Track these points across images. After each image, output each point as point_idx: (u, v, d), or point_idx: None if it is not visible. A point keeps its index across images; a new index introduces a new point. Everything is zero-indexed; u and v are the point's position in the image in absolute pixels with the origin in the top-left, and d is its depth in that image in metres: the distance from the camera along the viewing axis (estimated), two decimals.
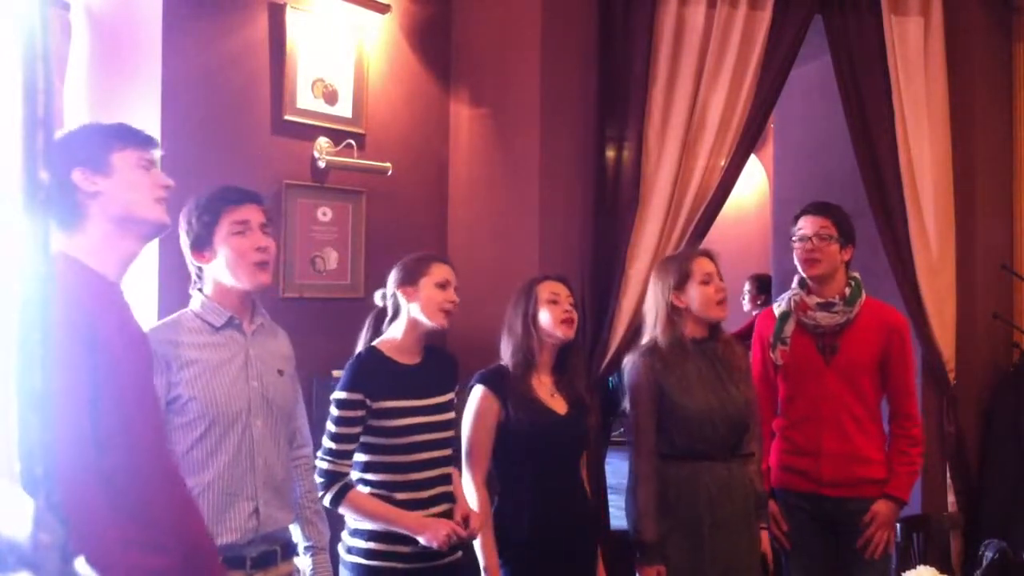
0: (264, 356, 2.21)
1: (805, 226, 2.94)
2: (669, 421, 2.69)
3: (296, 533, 2.33)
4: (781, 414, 3.03)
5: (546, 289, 2.64)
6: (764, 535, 2.80)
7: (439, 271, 2.50)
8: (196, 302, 2.19)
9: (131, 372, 1.70)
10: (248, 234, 2.15)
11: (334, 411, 2.43)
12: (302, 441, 2.38)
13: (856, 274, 2.98)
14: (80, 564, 0.60)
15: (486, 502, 2.58)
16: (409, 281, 2.49)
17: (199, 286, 2.20)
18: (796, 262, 2.98)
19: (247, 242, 2.14)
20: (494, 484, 2.64)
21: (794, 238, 2.97)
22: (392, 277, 2.54)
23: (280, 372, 2.25)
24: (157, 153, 1.85)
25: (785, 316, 2.99)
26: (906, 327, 3.00)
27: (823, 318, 2.91)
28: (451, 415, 2.55)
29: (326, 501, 2.41)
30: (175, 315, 2.18)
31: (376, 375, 2.44)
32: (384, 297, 2.57)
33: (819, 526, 2.95)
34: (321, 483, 2.41)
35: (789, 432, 2.98)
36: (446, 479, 2.52)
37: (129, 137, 1.81)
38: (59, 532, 0.58)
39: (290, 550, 2.27)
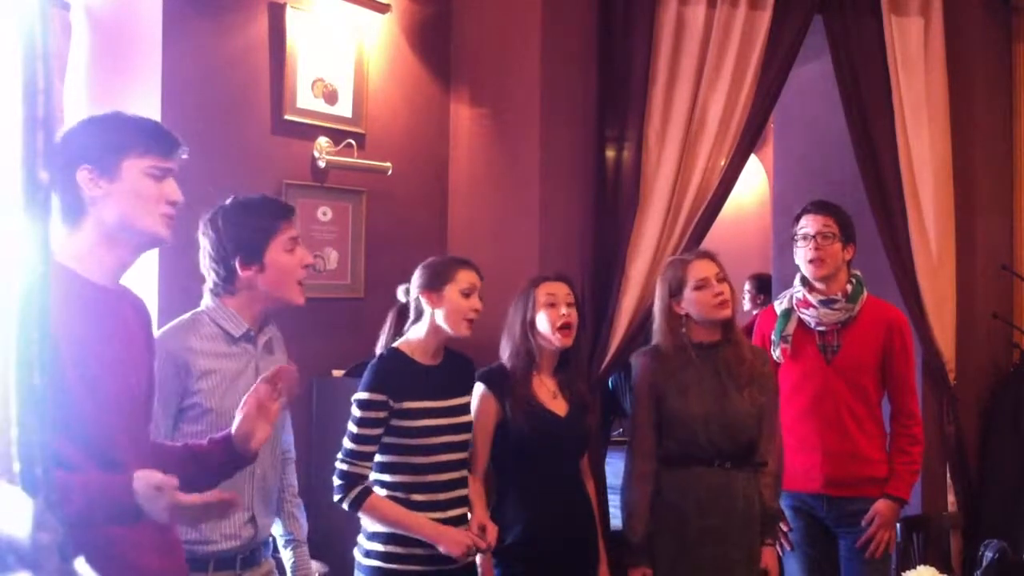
0: (269, 367, 2.19)
1: (808, 225, 2.92)
2: (665, 424, 2.69)
3: (276, 527, 2.33)
4: (784, 412, 3.00)
5: (544, 291, 2.61)
6: (768, 552, 2.71)
7: (465, 277, 2.45)
8: (211, 304, 2.13)
9: (95, 377, 1.61)
10: (297, 250, 2.14)
11: (356, 412, 2.37)
12: (284, 436, 2.36)
13: (857, 272, 2.97)
14: (80, 564, 0.60)
15: (483, 501, 2.59)
16: (434, 286, 2.43)
17: (218, 291, 2.13)
18: (799, 261, 2.96)
19: (295, 259, 2.13)
20: (492, 483, 2.64)
21: (796, 237, 2.96)
22: (416, 279, 2.48)
23: None
24: (179, 158, 1.76)
25: (787, 314, 2.98)
26: (907, 325, 3.00)
27: (825, 315, 2.90)
28: (469, 418, 2.53)
29: (344, 505, 2.36)
30: (190, 316, 2.13)
31: (399, 376, 2.40)
32: (407, 294, 2.52)
33: (819, 526, 2.95)
34: (340, 485, 2.35)
35: (792, 430, 2.95)
36: (464, 483, 2.50)
37: (149, 141, 1.70)
38: (59, 532, 0.58)
39: (268, 547, 2.27)
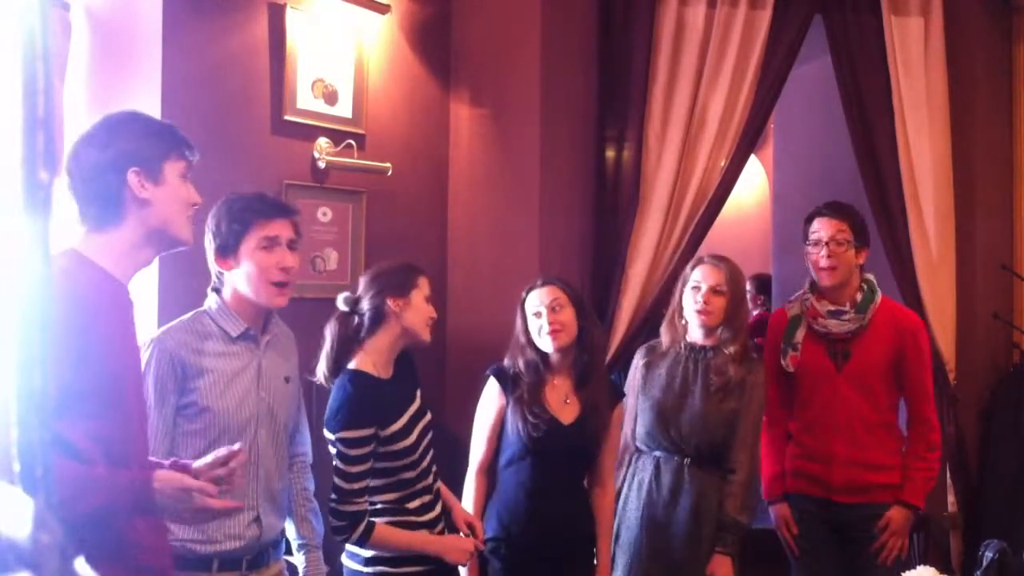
0: (274, 367, 2.20)
1: (820, 229, 2.80)
2: (638, 412, 2.78)
3: (290, 530, 2.33)
4: (795, 417, 2.95)
5: (531, 302, 2.61)
6: (719, 559, 2.67)
7: (425, 284, 2.41)
8: (212, 303, 2.15)
9: (123, 374, 1.67)
10: (275, 250, 2.11)
11: (345, 451, 2.26)
12: (300, 440, 2.37)
13: (870, 276, 2.87)
14: (80, 564, 0.60)
15: (482, 493, 2.62)
16: (403, 292, 2.36)
17: (218, 287, 2.16)
18: (809, 267, 2.86)
19: (272, 259, 2.10)
20: (495, 476, 2.65)
21: (807, 241, 2.84)
22: (376, 283, 2.37)
23: (287, 379, 2.24)
24: (195, 159, 1.81)
25: (796, 320, 2.89)
26: (921, 330, 2.90)
27: (834, 325, 2.82)
28: (429, 415, 2.48)
29: (351, 542, 2.31)
30: (190, 316, 2.14)
31: (377, 403, 2.31)
32: (351, 302, 2.38)
33: (830, 531, 2.89)
34: (343, 525, 2.28)
35: (801, 437, 2.91)
36: (436, 475, 2.52)
37: (179, 143, 1.76)
38: (59, 532, 0.58)
39: (279, 550, 2.27)
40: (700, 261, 2.78)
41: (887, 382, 2.83)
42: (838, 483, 2.83)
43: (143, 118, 1.79)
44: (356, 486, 2.27)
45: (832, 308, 2.83)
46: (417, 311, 2.37)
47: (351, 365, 2.33)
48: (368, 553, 2.36)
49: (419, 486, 2.39)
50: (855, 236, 2.80)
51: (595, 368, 2.67)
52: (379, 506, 2.36)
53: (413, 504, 2.38)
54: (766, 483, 2.96)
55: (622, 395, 2.79)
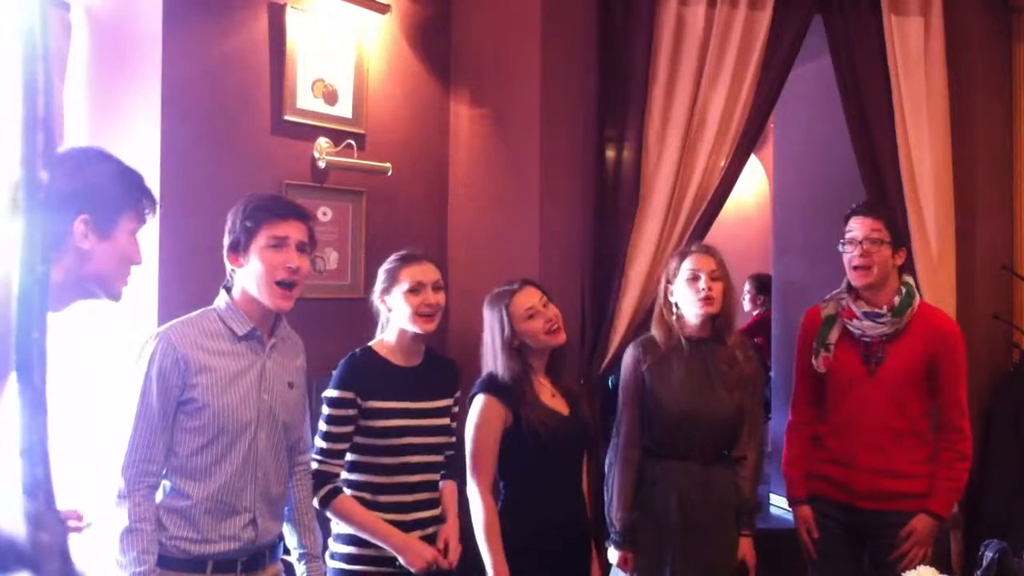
0: (278, 370, 2.21)
1: (855, 228, 2.76)
2: (649, 415, 2.73)
3: (292, 539, 2.33)
4: (824, 420, 2.92)
5: (519, 308, 2.56)
6: (746, 542, 2.74)
7: (410, 275, 2.44)
8: (221, 301, 2.17)
9: None
10: (282, 250, 2.12)
11: (325, 410, 2.42)
12: (303, 448, 2.36)
13: (909, 279, 2.83)
14: (80, 564, 0.60)
15: (492, 509, 2.51)
16: (385, 292, 2.50)
17: (229, 286, 2.18)
18: (846, 268, 2.81)
19: (279, 258, 2.11)
20: (498, 488, 2.63)
21: (843, 241, 2.80)
22: (376, 282, 2.55)
23: (290, 385, 2.24)
24: (152, 218, 1.78)
25: (830, 321, 2.84)
26: (958, 338, 2.82)
27: (869, 328, 2.76)
28: (446, 421, 2.52)
29: (316, 500, 2.39)
30: (198, 313, 2.16)
31: (368, 374, 2.43)
32: None
33: (850, 536, 2.85)
34: (313, 484, 2.39)
35: (828, 440, 2.88)
36: (433, 485, 2.51)
37: (141, 199, 1.72)
38: (59, 532, 0.58)
39: (276, 552, 2.27)
40: (689, 251, 2.76)
41: (919, 389, 2.78)
42: (861, 489, 2.79)
43: (116, 163, 1.72)
44: (328, 446, 2.40)
45: (868, 310, 2.78)
46: (401, 308, 2.45)
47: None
48: (333, 547, 2.44)
49: (397, 480, 2.42)
50: (891, 235, 2.76)
51: (565, 358, 2.74)
52: (352, 491, 2.42)
53: (385, 498, 2.41)
54: (790, 484, 2.96)
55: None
